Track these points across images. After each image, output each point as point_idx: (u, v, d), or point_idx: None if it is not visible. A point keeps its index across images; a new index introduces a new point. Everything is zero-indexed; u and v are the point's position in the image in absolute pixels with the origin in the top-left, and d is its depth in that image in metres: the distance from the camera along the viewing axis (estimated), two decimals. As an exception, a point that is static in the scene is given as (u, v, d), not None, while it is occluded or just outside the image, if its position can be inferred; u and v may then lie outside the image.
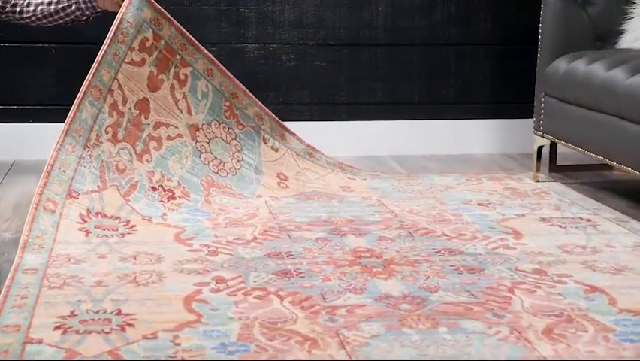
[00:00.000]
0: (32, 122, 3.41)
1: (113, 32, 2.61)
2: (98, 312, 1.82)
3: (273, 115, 2.97)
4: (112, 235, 2.36)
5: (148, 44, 2.68)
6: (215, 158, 2.77)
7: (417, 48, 3.57)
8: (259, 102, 2.94)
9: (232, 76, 2.88)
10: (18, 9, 2.76)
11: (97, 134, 2.55)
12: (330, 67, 3.54)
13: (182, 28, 2.77)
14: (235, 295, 1.94)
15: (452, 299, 1.93)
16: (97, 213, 2.43)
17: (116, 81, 2.61)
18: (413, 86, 3.59)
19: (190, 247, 2.29)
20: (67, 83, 3.20)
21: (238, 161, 2.83)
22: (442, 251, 2.27)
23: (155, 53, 2.70)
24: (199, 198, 2.65)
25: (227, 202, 2.67)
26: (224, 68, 2.87)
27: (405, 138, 3.58)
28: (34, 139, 3.36)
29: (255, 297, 1.92)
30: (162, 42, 2.72)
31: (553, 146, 3.13)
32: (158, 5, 2.71)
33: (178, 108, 2.75)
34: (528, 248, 2.30)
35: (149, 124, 2.67)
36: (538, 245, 2.33)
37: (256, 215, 2.60)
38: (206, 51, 2.82)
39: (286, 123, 3.39)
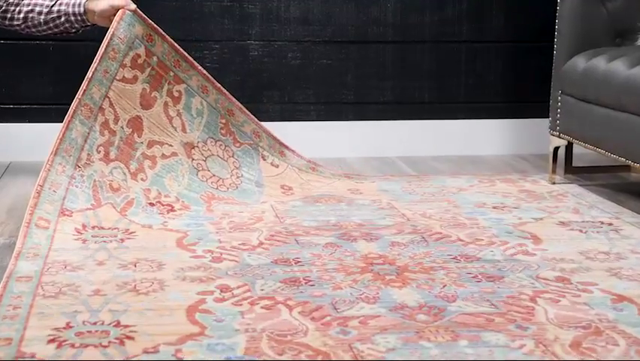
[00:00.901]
0: (29, 121, 3.33)
1: (103, 48, 2.53)
2: (95, 324, 1.71)
3: (271, 132, 2.90)
4: (110, 241, 2.27)
5: (140, 61, 2.61)
6: (214, 175, 2.70)
7: (427, 46, 3.48)
8: (255, 119, 2.87)
9: (227, 93, 2.81)
10: (9, 15, 2.68)
11: (88, 154, 2.47)
12: (337, 65, 3.45)
13: (176, 44, 2.69)
14: (241, 304, 1.83)
15: (472, 309, 1.82)
16: (93, 227, 2.35)
17: (107, 99, 2.53)
18: (423, 85, 3.50)
19: (193, 253, 2.19)
20: (66, 81, 3.17)
21: (238, 177, 2.75)
22: (458, 257, 2.17)
23: (148, 70, 2.63)
24: (200, 209, 2.57)
25: (231, 209, 2.59)
26: (219, 85, 2.80)
27: (414, 139, 3.50)
28: (30, 139, 3.28)
29: (262, 307, 1.82)
30: (155, 58, 2.64)
31: (568, 147, 3.03)
32: (150, 21, 2.64)
33: (172, 126, 2.67)
34: (548, 254, 2.20)
35: (142, 143, 2.60)
36: (559, 251, 2.22)
37: (261, 219, 2.51)
38: (200, 67, 2.76)
39: (291, 123, 3.40)
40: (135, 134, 2.59)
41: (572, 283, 1.98)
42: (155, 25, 2.65)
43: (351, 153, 3.42)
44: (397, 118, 3.49)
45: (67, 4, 2.62)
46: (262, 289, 1.92)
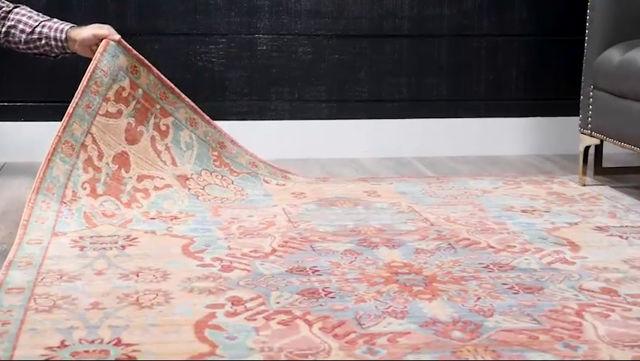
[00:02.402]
0: (24, 120, 3.19)
1: (85, 82, 2.41)
2: (93, 342, 1.55)
3: (268, 161, 2.79)
4: (110, 248, 2.12)
5: (124, 94, 2.49)
6: (216, 197, 2.58)
7: (445, 40, 3.35)
8: (249, 150, 2.75)
9: (217, 124, 2.71)
10: (3, 29, 2.60)
11: (73, 191, 2.35)
12: (350, 60, 3.32)
13: (162, 76, 2.60)
14: (255, 319, 1.67)
15: (512, 325, 1.65)
16: (91, 237, 2.22)
17: (89, 135, 2.41)
18: (440, 81, 3.37)
19: (200, 261, 2.03)
20: (62, 78, 3.06)
21: (242, 195, 2.62)
22: (491, 266, 2.00)
23: (133, 103, 2.51)
24: (207, 215, 2.43)
25: (240, 213, 2.45)
26: (208, 118, 2.69)
27: (431, 138, 3.37)
28: (25, 139, 3.15)
29: (278, 322, 1.66)
30: (140, 91, 2.54)
31: (598, 146, 2.87)
32: (135, 52, 2.53)
33: (161, 160, 2.56)
34: (589, 263, 2.03)
35: (131, 177, 2.47)
36: (600, 259, 2.05)
37: (273, 223, 2.35)
38: (188, 99, 2.64)
39: (301, 122, 3.30)
40: (122, 170, 2.47)
41: (619, 296, 1.81)
42: (141, 56, 2.56)
43: (365, 154, 3.31)
44: (413, 116, 3.37)
45: (51, 28, 2.55)
46: (278, 302, 1.76)
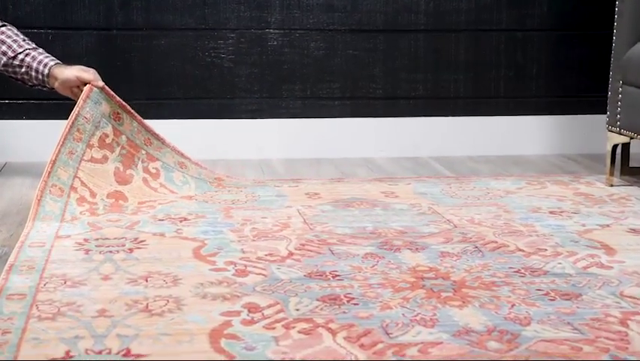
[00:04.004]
0: (25, 118, 3.11)
1: (67, 129, 2.37)
2: (100, 352, 1.45)
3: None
4: (117, 251, 2.02)
5: (108, 140, 2.46)
6: (227, 200, 2.54)
7: (463, 35, 3.27)
8: (243, 177, 2.78)
9: (207, 166, 2.70)
10: None
11: (72, 216, 2.28)
12: (365, 56, 3.23)
13: (145, 122, 2.56)
14: (274, 328, 1.56)
15: (552, 335, 1.54)
16: (97, 239, 2.13)
17: (77, 179, 2.37)
18: (458, 78, 3.29)
19: (213, 265, 1.93)
20: None
21: (254, 197, 2.58)
22: (522, 271, 1.89)
23: (118, 149, 2.48)
24: (218, 216, 2.34)
25: (252, 214, 2.37)
26: (196, 160, 2.66)
27: (449, 137, 3.29)
28: (27, 137, 3.07)
29: (299, 331, 1.55)
30: (124, 137, 2.51)
31: (625, 145, 2.78)
32: (118, 98, 2.51)
33: (159, 193, 2.51)
34: (628, 267, 1.92)
35: (131, 204, 2.42)
36: (639, 263, 1.94)
37: (288, 225, 2.26)
38: (173, 145, 2.60)
39: (314, 120, 3.25)
40: (120, 201, 2.42)
41: (664, 303, 1.69)
42: (124, 103, 2.52)
43: (380, 153, 3.23)
44: (430, 115, 3.30)
45: (34, 59, 2.53)
46: (297, 309, 1.66)
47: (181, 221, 2.27)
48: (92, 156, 2.41)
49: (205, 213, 2.36)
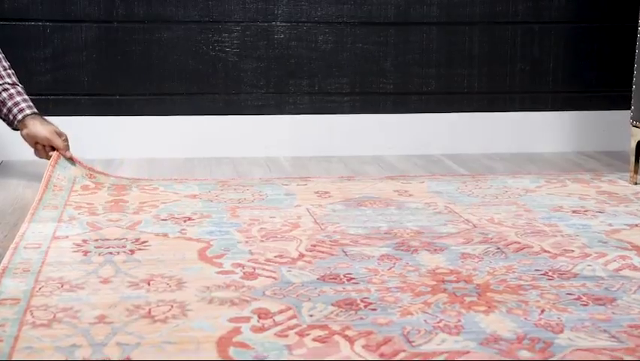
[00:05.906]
0: None
1: (43, 189, 2.38)
2: None
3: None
4: (118, 252, 1.93)
5: (91, 187, 2.53)
6: (232, 198, 2.49)
7: (476, 27, 3.19)
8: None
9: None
10: None
11: (70, 216, 2.24)
12: (375, 50, 3.16)
13: (121, 175, 2.65)
14: (286, 335, 1.47)
15: (587, 343, 1.43)
16: (96, 240, 2.04)
17: (67, 205, 2.34)
18: (472, 72, 3.22)
19: (219, 267, 1.83)
20: (64, 68, 2.96)
21: (261, 196, 2.50)
22: (550, 273, 1.79)
23: (105, 188, 2.53)
24: (224, 216, 2.25)
25: (260, 213, 2.28)
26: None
27: (462, 134, 3.21)
28: None
29: (314, 339, 1.45)
30: (106, 184, 2.56)
31: (646, 141, 2.67)
32: (85, 164, 2.59)
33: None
34: (662, 269, 1.81)
35: (132, 205, 2.40)
36: (674, 265, 1.84)
37: (298, 225, 2.17)
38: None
39: (322, 116, 3.20)
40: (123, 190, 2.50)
41: None
42: (92, 167, 2.60)
43: (391, 150, 3.15)
44: (443, 110, 3.22)
45: (12, 98, 2.57)
46: (311, 315, 1.56)
47: (185, 221, 2.18)
48: (79, 193, 2.44)
49: (210, 212, 2.27)
